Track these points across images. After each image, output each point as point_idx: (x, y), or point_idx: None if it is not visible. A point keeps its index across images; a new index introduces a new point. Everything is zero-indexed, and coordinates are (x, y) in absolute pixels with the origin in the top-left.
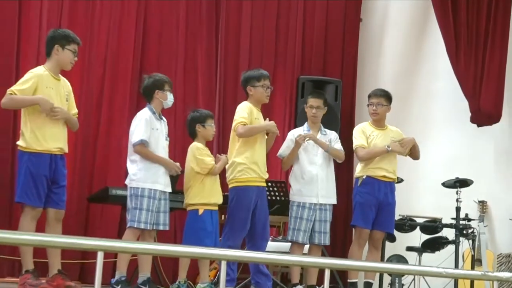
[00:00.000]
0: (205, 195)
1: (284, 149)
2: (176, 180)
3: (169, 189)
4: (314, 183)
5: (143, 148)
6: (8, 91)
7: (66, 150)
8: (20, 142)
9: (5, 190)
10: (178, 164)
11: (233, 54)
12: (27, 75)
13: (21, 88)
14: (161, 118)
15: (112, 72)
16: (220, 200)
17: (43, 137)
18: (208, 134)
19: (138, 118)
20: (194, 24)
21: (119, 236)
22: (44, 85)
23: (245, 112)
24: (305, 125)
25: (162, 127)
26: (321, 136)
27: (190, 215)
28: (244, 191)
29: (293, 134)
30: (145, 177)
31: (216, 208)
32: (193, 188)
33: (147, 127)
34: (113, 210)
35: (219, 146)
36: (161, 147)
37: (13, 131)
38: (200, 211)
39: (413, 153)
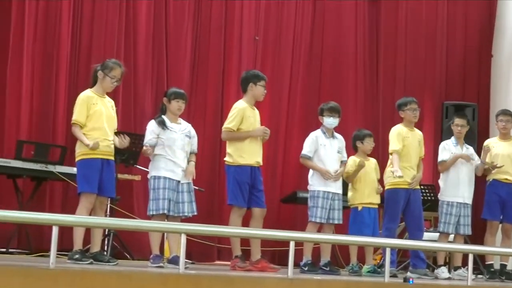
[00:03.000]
0: (359, 196)
1: (443, 156)
2: None
3: (340, 191)
4: (461, 187)
5: (305, 161)
6: (224, 128)
7: (261, 163)
8: (227, 158)
9: (215, 195)
10: (337, 170)
11: (390, 86)
12: (233, 111)
13: (232, 124)
14: (333, 137)
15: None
16: (373, 200)
17: (245, 154)
18: (366, 149)
19: (308, 137)
20: (360, 66)
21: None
22: (247, 115)
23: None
24: (452, 138)
25: (332, 144)
26: (465, 150)
27: (352, 211)
28: (392, 193)
29: (446, 143)
30: (318, 183)
31: (373, 206)
32: (352, 192)
33: (312, 144)
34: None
35: (378, 158)
36: (330, 159)
37: (219, 151)
38: (359, 208)
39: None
